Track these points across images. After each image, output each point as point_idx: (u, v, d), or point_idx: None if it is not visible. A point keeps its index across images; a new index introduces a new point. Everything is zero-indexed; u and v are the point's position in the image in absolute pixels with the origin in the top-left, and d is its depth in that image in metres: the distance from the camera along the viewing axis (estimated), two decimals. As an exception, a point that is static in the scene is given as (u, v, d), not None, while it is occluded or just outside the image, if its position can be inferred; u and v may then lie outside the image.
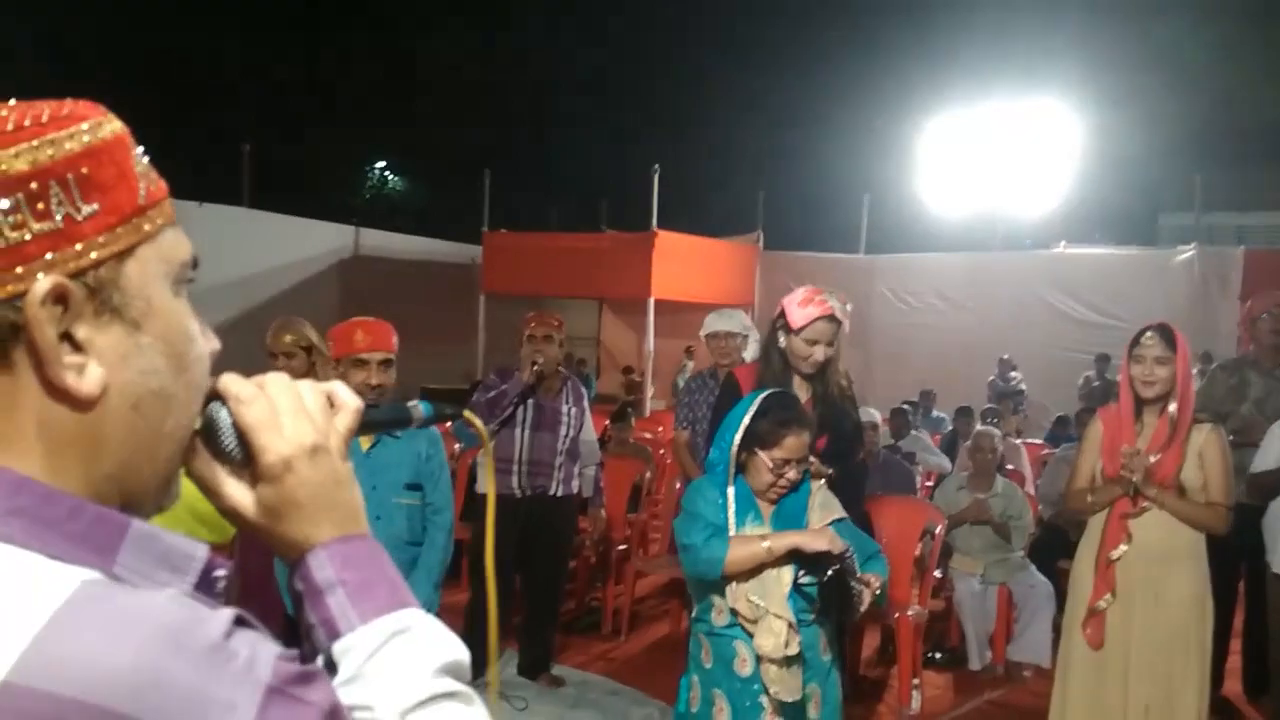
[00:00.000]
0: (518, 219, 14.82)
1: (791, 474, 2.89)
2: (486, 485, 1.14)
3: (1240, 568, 4.84)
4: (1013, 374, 11.94)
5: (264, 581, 3.14)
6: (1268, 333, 5.03)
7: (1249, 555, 4.67)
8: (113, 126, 0.73)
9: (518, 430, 4.85)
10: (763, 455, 2.87)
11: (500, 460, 4.86)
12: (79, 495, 0.70)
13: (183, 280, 0.77)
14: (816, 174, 23.74)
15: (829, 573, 2.70)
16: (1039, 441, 9.22)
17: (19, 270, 0.67)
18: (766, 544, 2.77)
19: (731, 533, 2.86)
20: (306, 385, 0.85)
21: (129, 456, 0.73)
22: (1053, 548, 5.75)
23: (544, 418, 4.89)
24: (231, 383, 0.81)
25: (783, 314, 3.63)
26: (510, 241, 13.28)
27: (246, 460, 0.81)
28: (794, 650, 2.75)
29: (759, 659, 2.78)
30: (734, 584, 2.81)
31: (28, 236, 0.67)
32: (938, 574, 5.52)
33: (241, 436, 0.80)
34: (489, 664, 1.21)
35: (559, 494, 4.95)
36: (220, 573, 0.75)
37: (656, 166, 12.07)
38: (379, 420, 0.99)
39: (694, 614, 3.01)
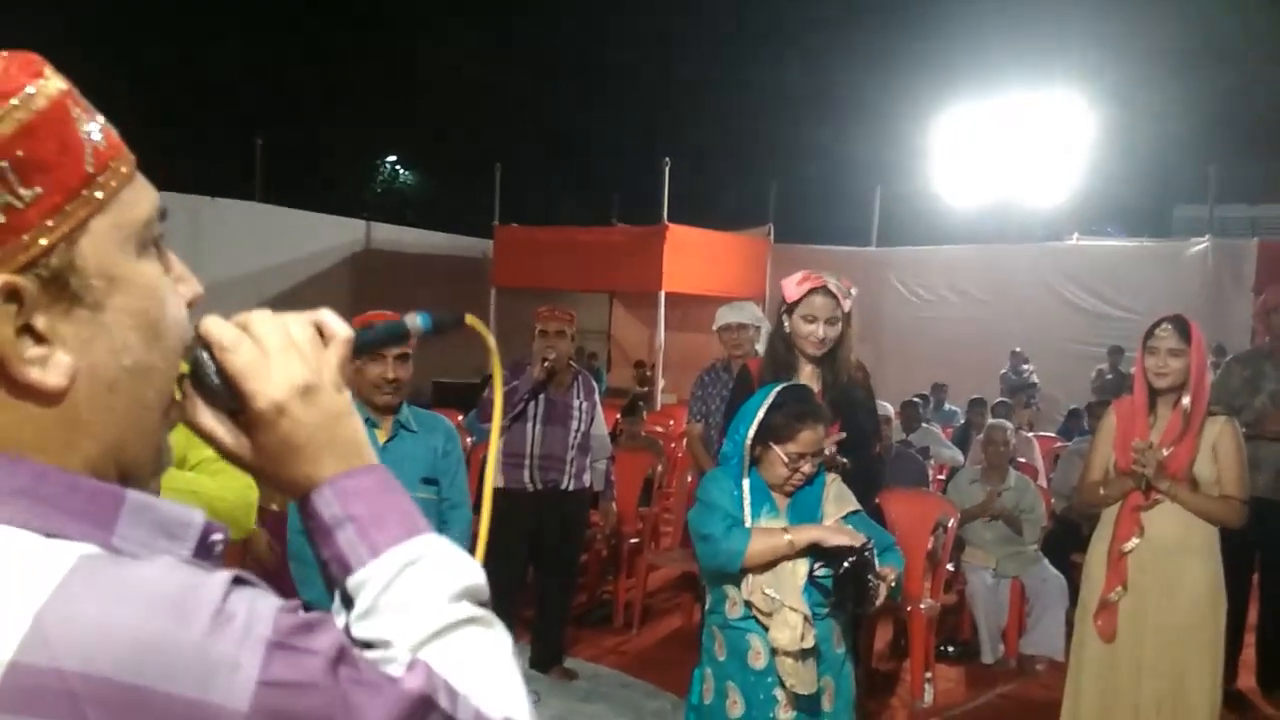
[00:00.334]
0: (529, 213, 14.81)
1: (806, 468, 2.89)
2: (494, 393, 1.09)
3: (1254, 560, 4.83)
4: (1025, 367, 11.90)
5: (280, 567, 3.16)
6: (1281, 325, 5.02)
7: (1263, 548, 4.66)
8: (47, 91, 0.68)
9: (529, 425, 4.86)
10: (777, 449, 2.87)
11: (512, 455, 4.88)
12: (73, 472, 0.69)
13: (148, 238, 0.74)
14: (828, 166, 23.67)
15: (845, 565, 2.70)
16: (1051, 435, 9.19)
17: None
18: (788, 537, 2.76)
19: (747, 524, 2.86)
20: (293, 318, 0.81)
21: (116, 435, 0.72)
22: (1066, 541, 5.74)
23: (555, 412, 4.90)
24: (214, 328, 0.78)
25: (784, 297, 3.65)
26: (521, 235, 13.27)
27: (239, 407, 0.79)
28: (809, 643, 2.75)
29: (773, 652, 2.78)
30: (749, 576, 2.81)
31: None
32: (950, 567, 5.51)
33: (230, 384, 0.78)
34: None
35: (571, 488, 4.97)
36: (217, 537, 0.75)
37: (667, 160, 12.04)
38: (374, 340, 0.94)
39: (707, 606, 3.01)
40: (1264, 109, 21.60)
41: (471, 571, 0.81)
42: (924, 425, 8.41)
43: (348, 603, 0.78)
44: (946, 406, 10.94)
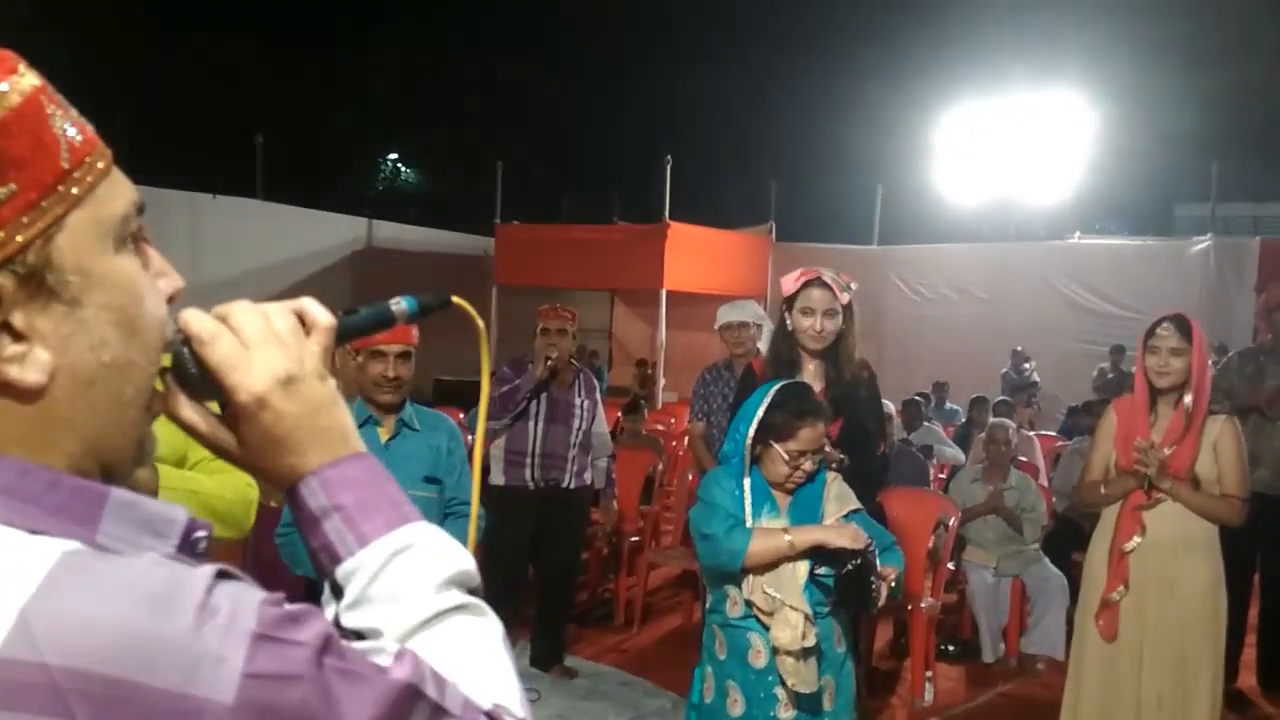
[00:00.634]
0: (530, 211, 14.81)
1: (807, 465, 2.89)
2: (482, 375, 1.07)
3: (1255, 559, 4.82)
4: (1026, 365, 11.89)
5: (278, 564, 3.16)
6: (1284, 323, 5.03)
7: (1264, 547, 4.66)
8: (20, 88, 0.67)
9: (531, 423, 4.86)
10: (778, 448, 2.87)
11: (513, 453, 4.88)
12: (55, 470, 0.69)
13: (125, 234, 0.73)
14: (829, 165, 23.67)
15: (848, 566, 2.70)
16: (1052, 434, 9.19)
17: None
18: (789, 538, 2.76)
19: (748, 524, 2.85)
20: (274, 308, 0.80)
21: (95, 431, 0.72)
22: (1066, 540, 5.74)
23: (557, 410, 4.90)
24: (193, 320, 0.77)
25: (784, 295, 3.66)
26: (523, 233, 13.27)
27: (221, 399, 0.78)
28: (810, 642, 2.75)
29: (774, 650, 2.78)
30: (750, 576, 2.81)
31: None
32: (951, 566, 5.51)
33: (211, 376, 0.77)
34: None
35: (572, 486, 4.97)
36: (201, 534, 0.74)
37: (669, 157, 12.04)
38: (358, 326, 0.92)
39: (708, 605, 3.01)
40: (1266, 107, 21.60)
41: (461, 559, 0.81)
42: (925, 424, 8.41)
43: (337, 593, 0.78)
44: (948, 405, 10.94)
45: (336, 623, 0.77)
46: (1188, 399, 3.55)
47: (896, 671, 5.30)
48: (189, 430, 0.81)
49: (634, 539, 6.23)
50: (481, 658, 0.77)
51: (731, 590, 2.87)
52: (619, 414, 7.61)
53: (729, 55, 30.56)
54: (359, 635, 0.76)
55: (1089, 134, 16.31)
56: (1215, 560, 3.60)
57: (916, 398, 8.95)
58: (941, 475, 7.16)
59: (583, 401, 4.96)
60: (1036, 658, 5.41)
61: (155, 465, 2.10)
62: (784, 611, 2.76)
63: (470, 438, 6.15)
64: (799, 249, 13.42)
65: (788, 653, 2.75)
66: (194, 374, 0.78)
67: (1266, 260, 11.22)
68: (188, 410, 0.80)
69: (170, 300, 0.78)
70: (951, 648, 5.55)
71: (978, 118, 16.51)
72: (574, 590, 5.47)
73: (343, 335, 0.86)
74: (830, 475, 3.05)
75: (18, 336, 0.67)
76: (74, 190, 0.69)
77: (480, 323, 1.02)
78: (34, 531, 0.65)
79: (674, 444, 7.91)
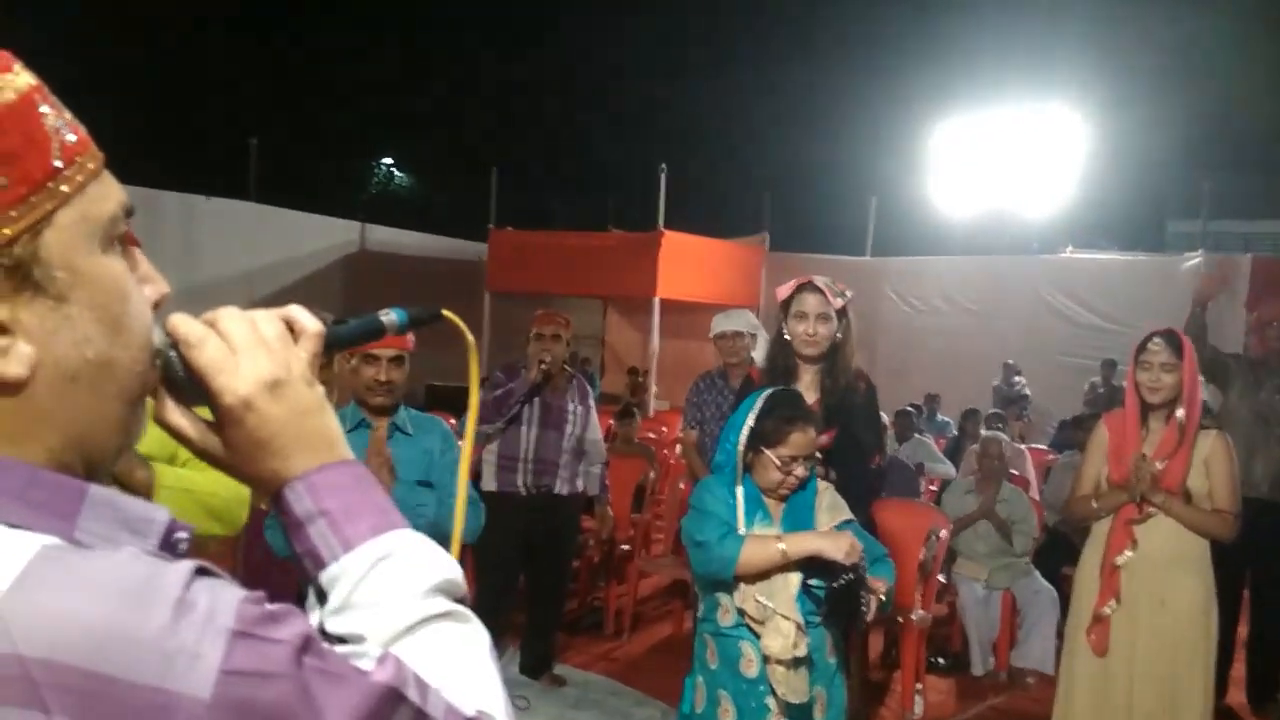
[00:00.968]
0: (524, 217, 14.80)
1: (799, 471, 2.89)
2: (470, 387, 1.07)
3: (1245, 575, 4.84)
4: (1017, 379, 11.91)
5: (269, 565, 3.14)
6: (1275, 339, 5.07)
7: (1254, 562, 4.67)
8: (15, 85, 0.68)
9: (523, 428, 4.85)
10: (769, 454, 2.87)
11: (505, 458, 4.87)
12: (34, 465, 0.69)
13: (113, 235, 0.74)
14: (824, 176, 23.73)
15: (842, 579, 2.70)
16: (1043, 447, 9.20)
17: None
18: (782, 546, 2.76)
19: (741, 532, 2.85)
20: (262, 314, 0.81)
21: (77, 426, 0.72)
22: (1057, 554, 5.74)
23: (550, 416, 4.89)
24: (181, 324, 0.78)
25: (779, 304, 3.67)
26: (516, 239, 13.27)
27: (208, 404, 0.79)
28: (802, 651, 2.74)
29: (765, 660, 2.77)
30: (742, 584, 2.80)
31: None
32: (941, 579, 5.51)
33: (197, 380, 0.78)
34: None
35: (564, 492, 4.96)
36: (181, 535, 0.74)
37: (664, 166, 12.05)
38: (347, 336, 0.93)
39: (699, 614, 3.00)
40: (1258, 125, 21.70)
41: (446, 566, 0.81)
42: (917, 435, 8.43)
43: (321, 598, 0.78)
44: (939, 417, 10.95)
45: (321, 628, 0.77)
46: (1179, 414, 3.56)
47: (886, 683, 5.29)
48: (175, 435, 0.81)
49: (625, 547, 6.22)
50: (466, 664, 0.77)
51: (723, 599, 2.87)
52: (611, 421, 7.60)
53: (726, 66, 30.66)
54: (343, 641, 0.76)
55: (1082, 149, 16.38)
56: (1206, 576, 3.60)
57: (909, 409, 8.97)
58: (933, 487, 7.17)
59: (576, 407, 4.96)
60: (1026, 671, 5.40)
61: (150, 465, 2.09)
62: (776, 620, 2.75)
63: (461, 443, 6.15)
64: (793, 259, 13.42)
65: (779, 662, 2.74)
66: (181, 377, 0.78)
67: (1258, 278, 11.24)
68: (175, 414, 0.80)
69: (156, 306, 0.79)
70: (942, 660, 5.55)
71: (972, 131, 16.58)
72: (564, 597, 5.45)
73: (331, 344, 0.86)
74: (822, 485, 3.05)
75: (1, 329, 0.68)
76: (64, 188, 0.69)
77: (470, 337, 1.03)
78: (12, 526, 0.65)
79: (665, 452, 7.90)
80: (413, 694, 0.69)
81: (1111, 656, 3.61)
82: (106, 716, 0.59)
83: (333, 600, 0.77)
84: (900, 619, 4.93)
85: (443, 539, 2.62)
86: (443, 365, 12.31)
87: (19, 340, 0.68)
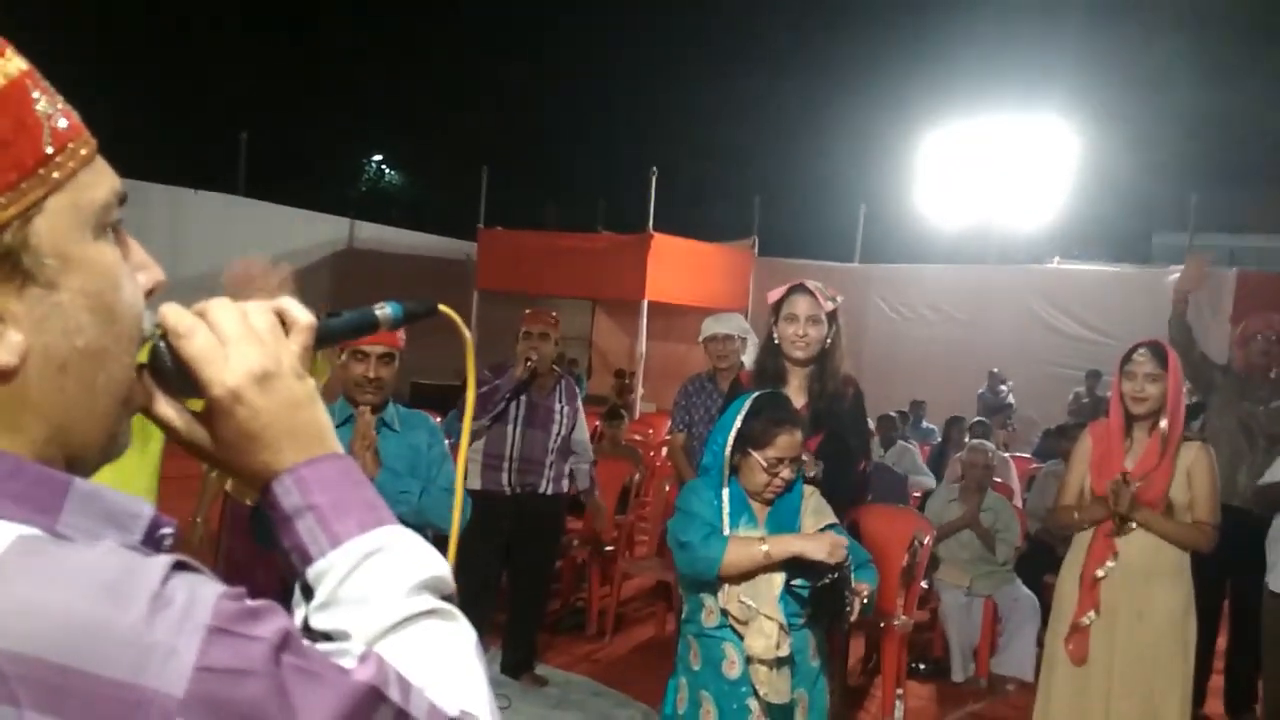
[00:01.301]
0: (514, 217, 14.79)
1: (785, 473, 2.90)
2: (468, 393, 1.07)
3: (1225, 586, 4.87)
4: (1002, 387, 11.96)
5: (251, 561, 3.14)
6: (1259, 354, 5.11)
7: (1234, 574, 4.70)
8: (7, 70, 0.67)
9: (509, 427, 4.85)
10: (756, 455, 2.88)
11: (491, 457, 4.86)
12: (19, 456, 0.68)
13: (105, 222, 0.72)
14: (813, 182, 23.79)
15: (826, 579, 2.71)
16: (1027, 456, 9.24)
17: None
18: (765, 548, 2.77)
19: (725, 534, 2.86)
20: (253, 306, 0.80)
21: (64, 417, 0.71)
22: (1039, 562, 5.76)
23: (536, 415, 4.89)
24: (170, 315, 0.77)
25: (770, 307, 3.68)
26: (505, 239, 13.25)
27: (197, 395, 0.78)
28: (784, 652, 2.76)
29: (748, 660, 2.78)
30: (726, 585, 2.81)
31: None
32: (924, 584, 5.53)
33: (186, 371, 0.77)
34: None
35: (548, 492, 4.95)
36: (166, 530, 0.73)
37: (654, 169, 12.06)
38: (339, 330, 0.91)
39: (684, 615, 3.01)
40: (1246, 140, 21.84)
41: (434, 563, 0.80)
42: (900, 442, 8.45)
43: (307, 594, 0.77)
44: (924, 424, 10.99)
45: (306, 624, 0.76)
46: (1163, 424, 3.59)
47: (867, 688, 5.31)
48: (164, 426, 0.80)
49: (609, 548, 6.22)
50: (451, 663, 0.76)
51: (707, 599, 2.88)
52: (598, 422, 7.60)
53: (718, 71, 30.71)
54: (328, 637, 0.75)
55: (1071, 160, 16.47)
56: (1186, 587, 3.63)
57: (893, 415, 9.00)
58: (916, 494, 7.19)
59: (563, 408, 4.96)
60: (1006, 679, 5.42)
61: None
62: (759, 620, 2.76)
63: (449, 441, 6.14)
64: (781, 264, 13.46)
65: (762, 662, 2.75)
66: (170, 368, 0.77)
67: (1243, 291, 11.31)
68: (163, 405, 0.79)
69: (150, 294, 0.78)
70: (923, 666, 5.57)
71: (961, 140, 16.65)
72: (546, 597, 5.45)
73: (324, 337, 0.86)
74: (808, 489, 3.06)
75: None
76: (55, 174, 0.69)
77: (466, 332, 1.02)
78: None
79: (651, 454, 7.90)
80: (394, 693, 0.68)
81: (1090, 665, 3.63)
82: (78, 712, 0.58)
83: (318, 596, 0.76)
84: (882, 624, 4.94)
85: (424, 526, 2.62)
86: (428, 363, 12.30)
87: (8, 328, 0.67)
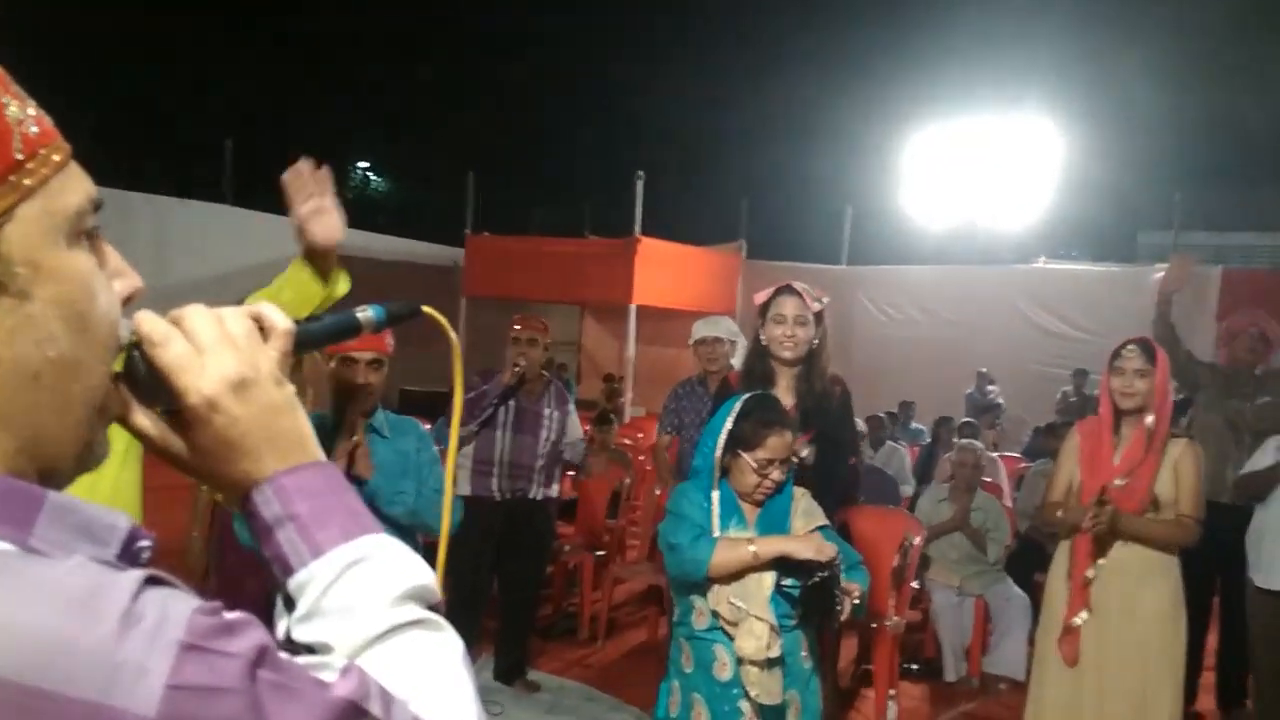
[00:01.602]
0: (501, 222, 14.78)
1: (776, 474, 2.91)
2: (455, 395, 1.07)
3: (1214, 583, 4.89)
4: (990, 387, 11.99)
5: (242, 569, 3.12)
6: (1244, 350, 5.15)
7: (1223, 570, 4.72)
8: None
9: (498, 433, 4.85)
10: (746, 457, 2.89)
11: (480, 462, 4.86)
12: None
13: (80, 229, 0.71)
14: (800, 185, 23.83)
15: (817, 576, 2.71)
16: (1016, 455, 9.27)
17: None
18: (753, 549, 2.77)
19: (715, 535, 2.86)
20: (230, 312, 0.79)
21: (37, 428, 0.69)
22: (1029, 560, 5.78)
23: (525, 420, 4.89)
24: (145, 323, 0.75)
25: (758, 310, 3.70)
26: (493, 244, 13.23)
27: (173, 404, 0.76)
28: (775, 653, 2.75)
29: (739, 662, 2.78)
30: (716, 586, 2.81)
31: None
32: (915, 585, 5.53)
33: (161, 380, 0.75)
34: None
35: (538, 497, 4.95)
36: (144, 543, 0.71)
37: (641, 173, 12.06)
38: (320, 334, 0.89)
39: (675, 618, 3.01)
40: (1230, 139, 21.98)
41: (420, 572, 0.78)
42: (889, 443, 8.47)
43: (289, 605, 0.76)
44: (913, 425, 11.01)
45: (288, 637, 0.75)
46: (1148, 420, 3.61)
47: (859, 689, 5.31)
48: (140, 436, 0.78)
49: (600, 553, 6.22)
50: (437, 675, 0.75)
51: (697, 601, 2.88)
52: (588, 427, 7.59)
53: (703, 74, 30.74)
54: (310, 650, 0.73)
55: (1056, 160, 16.53)
56: (1175, 583, 3.65)
57: (881, 415, 9.01)
58: (906, 495, 7.20)
59: (552, 413, 4.96)
60: (998, 678, 5.44)
61: None
62: (749, 622, 2.76)
63: (436, 448, 6.13)
64: (769, 267, 13.47)
65: (752, 663, 2.75)
66: (145, 377, 0.76)
67: (1227, 289, 11.36)
68: (139, 415, 0.78)
69: (128, 301, 0.76)
70: (915, 666, 5.57)
71: (946, 141, 16.69)
72: (538, 603, 5.45)
73: (303, 343, 0.84)
74: (798, 491, 3.06)
75: None
76: (26, 181, 0.67)
77: (453, 334, 1.01)
78: None
79: (641, 458, 7.90)
80: (375, 708, 0.66)
81: (1081, 664, 3.64)
82: None
83: (300, 607, 0.75)
84: (874, 625, 4.95)
85: (420, 527, 2.60)
86: (417, 369, 12.28)
87: None
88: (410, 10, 30.00)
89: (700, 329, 5.33)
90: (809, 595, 2.74)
